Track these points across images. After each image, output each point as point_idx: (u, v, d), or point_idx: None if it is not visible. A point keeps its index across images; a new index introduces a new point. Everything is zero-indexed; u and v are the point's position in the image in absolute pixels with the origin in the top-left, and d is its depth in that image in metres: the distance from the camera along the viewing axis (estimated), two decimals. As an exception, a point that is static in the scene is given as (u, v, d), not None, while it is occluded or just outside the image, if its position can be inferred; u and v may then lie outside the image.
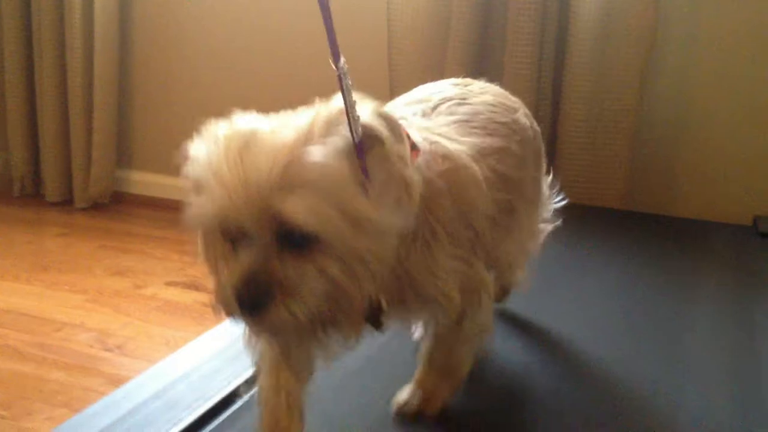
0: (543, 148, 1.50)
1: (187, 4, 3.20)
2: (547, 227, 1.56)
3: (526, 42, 2.54)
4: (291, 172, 0.87)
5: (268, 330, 0.96)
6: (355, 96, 0.93)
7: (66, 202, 3.38)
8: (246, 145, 0.90)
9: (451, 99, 1.28)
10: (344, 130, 0.91)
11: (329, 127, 0.91)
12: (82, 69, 3.19)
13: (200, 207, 0.92)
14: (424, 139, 1.09)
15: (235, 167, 0.88)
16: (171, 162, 3.32)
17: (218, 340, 1.56)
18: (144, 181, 3.44)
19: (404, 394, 1.30)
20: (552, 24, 2.56)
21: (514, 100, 1.42)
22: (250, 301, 0.89)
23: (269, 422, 1.13)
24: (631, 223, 2.48)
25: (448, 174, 1.09)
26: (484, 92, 1.35)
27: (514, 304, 1.68)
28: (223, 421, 1.28)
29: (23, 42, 3.32)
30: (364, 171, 0.91)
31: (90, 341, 2.22)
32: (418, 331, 1.45)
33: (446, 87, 1.34)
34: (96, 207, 3.35)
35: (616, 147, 2.57)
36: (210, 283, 1.00)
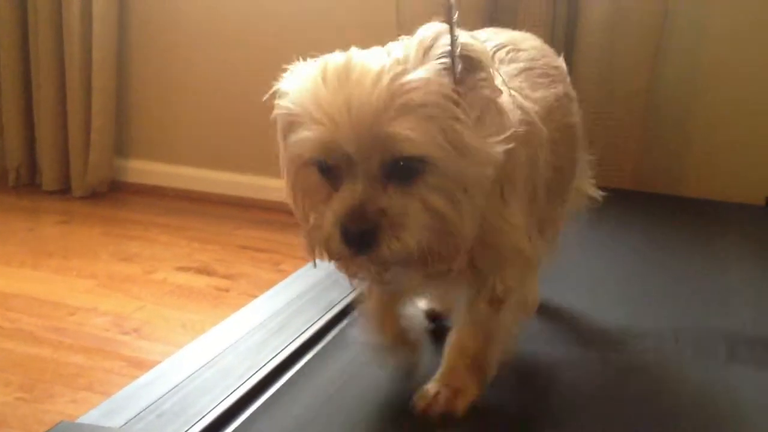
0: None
1: (186, -11, 3.17)
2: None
3: (537, 24, 2.53)
4: (396, 96, 0.86)
5: (376, 265, 0.93)
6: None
7: (63, 191, 3.31)
8: (345, 73, 0.88)
9: (504, 45, 1.26)
10: (440, 56, 0.90)
11: (425, 52, 0.90)
12: (80, 53, 3.13)
13: (301, 138, 0.90)
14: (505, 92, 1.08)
15: (337, 94, 0.87)
16: (170, 150, 3.30)
17: (259, 314, 1.54)
18: (143, 170, 3.39)
19: (428, 390, 1.16)
20: (563, 6, 2.56)
21: (551, 49, 1.42)
22: (360, 235, 0.88)
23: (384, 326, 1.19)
24: (643, 204, 2.48)
25: (525, 127, 1.08)
26: (525, 38, 1.35)
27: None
28: (277, 390, 1.26)
29: (18, 24, 3.24)
30: (464, 97, 0.90)
31: (106, 325, 2.18)
32: (425, 302, 1.41)
33: (491, 34, 1.31)
34: (94, 195, 3.29)
35: (627, 128, 2.58)
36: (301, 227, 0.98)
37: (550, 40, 2.54)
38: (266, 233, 2.87)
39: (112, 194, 3.34)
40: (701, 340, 1.50)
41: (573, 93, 1.35)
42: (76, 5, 3.08)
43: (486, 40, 1.27)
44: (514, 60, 1.22)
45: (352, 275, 1.00)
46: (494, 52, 1.22)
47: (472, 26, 2.57)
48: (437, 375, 1.18)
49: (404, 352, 1.23)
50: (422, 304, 1.40)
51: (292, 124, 0.92)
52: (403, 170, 0.88)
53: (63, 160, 3.29)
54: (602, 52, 2.53)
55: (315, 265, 0.98)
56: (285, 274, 1.86)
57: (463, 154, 0.89)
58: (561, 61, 1.38)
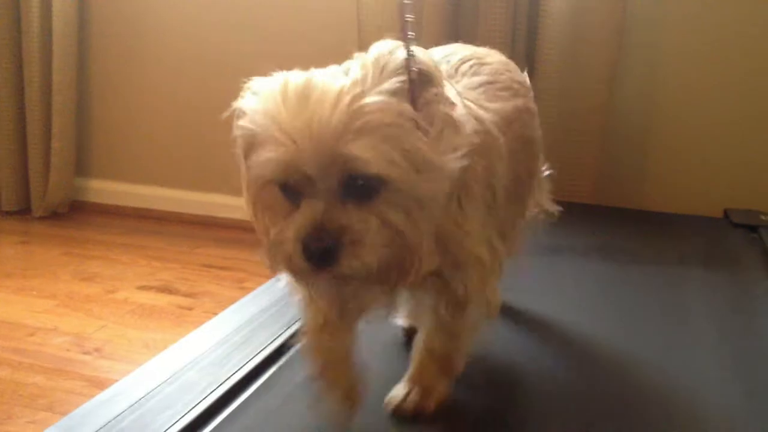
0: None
1: (146, 10, 3.15)
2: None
3: (497, 41, 2.55)
4: (354, 117, 0.87)
5: (335, 281, 0.94)
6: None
7: (23, 212, 3.27)
8: (303, 94, 0.89)
9: (469, 59, 1.28)
10: (396, 73, 0.91)
11: (382, 71, 0.91)
12: (40, 73, 3.10)
13: (263, 159, 0.90)
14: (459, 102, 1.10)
15: (297, 115, 0.88)
16: (130, 169, 3.27)
17: (223, 328, 1.53)
18: (104, 189, 3.36)
19: (399, 391, 1.21)
20: (522, 24, 2.59)
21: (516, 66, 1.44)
22: (320, 251, 0.88)
23: (324, 370, 1.14)
24: (603, 217, 2.50)
25: (480, 137, 1.09)
26: (490, 54, 1.37)
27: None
28: (239, 404, 1.25)
29: (-24, 46, 3.21)
30: (420, 112, 0.92)
31: (66, 345, 2.15)
32: (401, 319, 1.43)
33: (458, 48, 1.33)
34: (55, 216, 3.26)
35: (587, 143, 2.60)
36: (262, 242, 0.99)
37: (510, 55, 2.56)
38: (229, 251, 2.86)
39: (73, 214, 3.31)
40: (662, 351, 1.52)
41: (534, 108, 1.37)
42: (36, 27, 3.06)
43: (452, 53, 1.30)
44: (477, 73, 1.24)
45: (314, 291, 1.02)
46: (458, 66, 1.25)
47: (434, 41, 2.60)
48: (407, 375, 1.22)
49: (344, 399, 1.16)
50: (400, 320, 1.43)
51: (252, 144, 0.93)
52: (362, 189, 0.90)
53: (22, 181, 3.26)
54: (561, 68, 2.55)
55: (276, 276, 1.00)
56: (248, 291, 1.84)
57: (421, 171, 0.91)
58: (525, 77, 1.40)
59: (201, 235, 3.06)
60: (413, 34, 0.94)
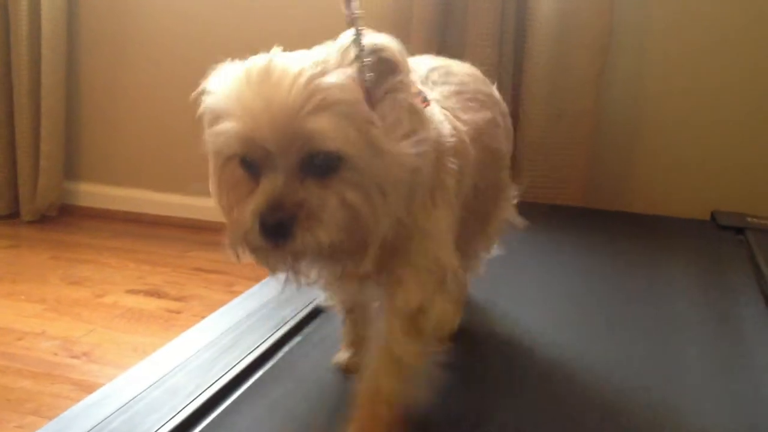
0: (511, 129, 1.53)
1: (135, 13, 3.15)
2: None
3: (485, 43, 2.57)
4: (313, 95, 0.88)
5: (290, 257, 0.95)
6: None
7: (11, 216, 3.27)
8: (266, 73, 0.91)
9: (437, 68, 1.30)
10: (358, 58, 0.93)
11: (344, 56, 0.93)
12: (29, 77, 3.10)
13: (223, 132, 0.92)
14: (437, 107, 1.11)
15: (258, 92, 0.90)
16: (120, 173, 3.25)
17: (211, 331, 1.53)
18: (93, 193, 3.36)
19: None
20: (510, 26, 2.60)
21: (485, 77, 1.46)
22: (275, 226, 0.89)
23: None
24: (592, 220, 2.51)
25: (456, 142, 1.11)
26: (460, 64, 1.39)
27: (479, 301, 1.68)
28: (226, 408, 1.25)
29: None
30: (380, 100, 0.93)
31: (54, 349, 2.15)
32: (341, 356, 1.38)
33: (426, 59, 1.35)
34: (44, 220, 3.26)
35: (575, 147, 2.61)
36: (224, 223, 1.00)
37: (498, 61, 2.58)
38: (218, 255, 2.81)
39: (62, 218, 3.31)
40: (648, 353, 1.53)
41: (501, 122, 1.38)
42: (24, 30, 3.05)
43: (419, 62, 1.31)
44: (447, 83, 1.26)
45: (271, 268, 1.01)
46: (427, 74, 1.27)
47: (422, 42, 2.60)
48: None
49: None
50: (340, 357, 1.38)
51: (216, 119, 0.95)
52: (320, 166, 0.90)
53: (11, 185, 3.25)
54: (549, 71, 2.56)
55: (238, 259, 0.99)
56: (237, 295, 1.85)
57: (379, 155, 0.92)
58: (493, 90, 1.43)
59: (190, 239, 3.05)
60: (360, 11, 0.95)
